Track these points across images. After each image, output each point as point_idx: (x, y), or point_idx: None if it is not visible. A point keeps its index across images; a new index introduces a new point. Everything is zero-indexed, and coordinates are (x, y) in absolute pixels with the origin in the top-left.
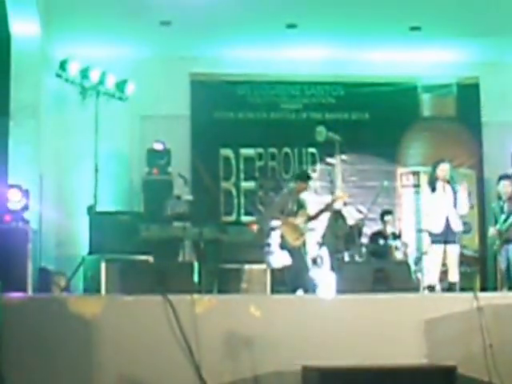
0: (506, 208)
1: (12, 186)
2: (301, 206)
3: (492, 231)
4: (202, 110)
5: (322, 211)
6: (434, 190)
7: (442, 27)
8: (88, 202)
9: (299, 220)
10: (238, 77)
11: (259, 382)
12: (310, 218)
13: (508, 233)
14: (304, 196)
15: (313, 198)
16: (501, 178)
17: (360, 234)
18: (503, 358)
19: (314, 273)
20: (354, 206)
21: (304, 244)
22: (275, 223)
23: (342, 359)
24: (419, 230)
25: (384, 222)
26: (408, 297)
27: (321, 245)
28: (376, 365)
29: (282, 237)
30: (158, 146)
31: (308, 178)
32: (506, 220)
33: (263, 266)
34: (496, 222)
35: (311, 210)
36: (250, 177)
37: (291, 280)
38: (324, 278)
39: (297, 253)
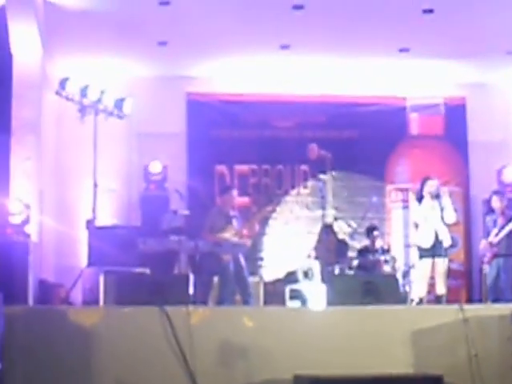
0: (498, 222)
1: (13, 200)
2: (228, 221)
3: (484, 244)
4: (198, 127)
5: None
6: (420, 202)
7: (430, 48)
8: (87, 216)
9: (227, 235)
10: (233, 96)
11: None
12: (237, 232)
13: (499, 246)
14: (230, 211)
15: (305, 213)
16: (494, 193)
17: (347, 247)
18: (488, 368)
19: (305, 285)
20: (345, 220)
21: (234, 259)
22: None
23: (333, 368)
24: (408, 245)
25: (371, 237)
26: (396, 308)
27: (312, 258)
28: (365, 374)
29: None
30: (155, 165)
31: (230, 189)
32: (497, 234)
33: (256, 279)
34: (488, 234)
35: (303, 225)
36: (244, 192)
37: (220, 293)
38: (315, 289)
39: (227, 266)
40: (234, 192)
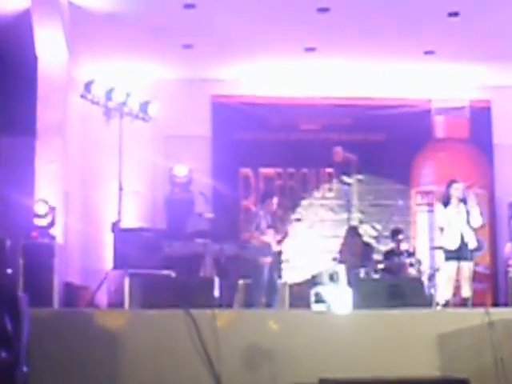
0: None
1: (38, 203)
2: (269, 225)
3: (509, 247)
4: (223, 130)
5: (283, 238)
6: (446, 206)
7: (455, 51)
8: (112, 218)
9: (269, 238)
10: (258, 99)
11: None
12: (281, 239)
13: None
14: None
15: (330, 216)
16: None
17: (372, 251)
18: None
19: (330, 288)
20: (370, 223)
21: (274, 262)
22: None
23: (358, 372)
24: (433, 247)
25: (396, 240)
26: (422, 312)
27: (337, 261)
28: (391, 377)
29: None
30: (180, 168)
31: (270, 196)
32: None
33: (282, 281)
34: None
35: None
36: (269, 195)
37: (250, 296)
38: (340, 293)
39: (263, 269)
40: (275, 200)
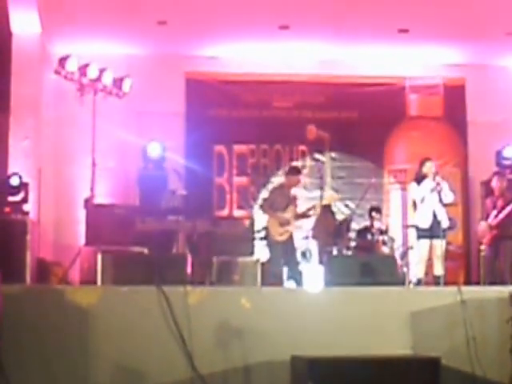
0: (498, 204)
1: (12, 177)
2: (290, 201)
3: (483, 225)
4: (197, 107)
5: (309, 210)
6: (419, 184)
7: (429, 29)
8: (85, 194)
9: (287, 215)
10: (232, 76)
11: (250, 370)
12: (298, 216)
13: (498, 228)
14: (294, 191)
15: (302, 194)
16: (494, 174)
17: (348, 229)
18: (486, 350)
19: (302, 266)
20: (343, 201)
21: (289, 239)
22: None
23: (330, 349)
24: (406, 226)
25: (371, 218)
26: (394, 290)
27: (310, 238)
28: (363, 355)
29: (267, 230)
30: (154, 146)
31: (298, 172)
32: (497, 216)
33: (254, 259)
34: (487, 216)
35: (300, 206)
36: (243, 172)
37: (269, 274)
38: (312, 270)
39: (278, 247)
40: (302, 176)
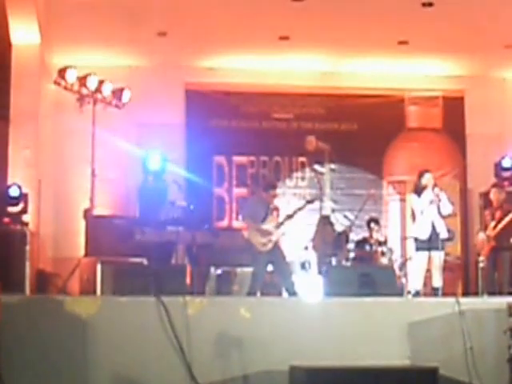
0: (496, 215)
1: (12, 187)
2: (270, 212)
3: (482, 237)
4: (197, 118)
5: (291, 216)
6: (419, 195)
7: (428, 41)
8: (85, 205)
9: (268, 225)
10: (232, 87)
11: (248, 380)
12: (279, 224)
13: (496, 239)
14: (275, 203)
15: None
16: (492, 186)
17: (347, 239)
18: (483, 361)
19: (301, 276)
20: (342, 212)
21: (275, 248)
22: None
23: (329, 360)
24: (405, 237)
25: (370, 229)
26: (393, 300)
27: (309, 249)
28: (361, 365)
29: (249, 242)
30: (154, 156)
31: (274, 187)
32: (495, 227)
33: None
34: (485, 228)
35: (299, 217)
36: (242, 183)
37: (251, 284)
38: (312, 281)
39: (261, 258)
40: (277, 191)
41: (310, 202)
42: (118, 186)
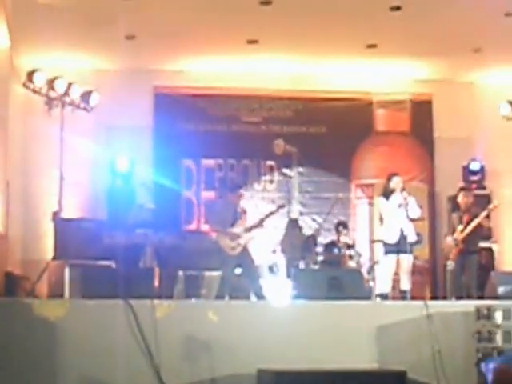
0: (464, 219)
1: None
2: (239, 215)
3: (449, 240)
4: (165, 121)
5: (262, 220)
6: (387, 199)
7: (397, 45)
8: (53, 208)
9: (237, 229)
10: (200, 90)
11: (216, 383)
12: (250, 228)
13: (464, 243)
14: (243, 205)
15: (271, 208)
16: (460, 190)
17: (315, 243)
18: (451, 364)
19: (269, 279)
20: (310, 216)
21: (244, 252)
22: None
23: (297, 363)
24: (373, 240)
25: (338, 233)
26: (361, 304)
27: (277, 252)
28: (329, 368)
29: (218, 245)
30: (122, 159)
31: (239, 187)
32: (463, 231)
33: (221, 273)
34: (453, 231)
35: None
36: (211, 187)
37: (219, 287)
38: (280, 284)
39: (230, 261)
40: (243, 192)
41: (282, 206)
42: (87, 189)
